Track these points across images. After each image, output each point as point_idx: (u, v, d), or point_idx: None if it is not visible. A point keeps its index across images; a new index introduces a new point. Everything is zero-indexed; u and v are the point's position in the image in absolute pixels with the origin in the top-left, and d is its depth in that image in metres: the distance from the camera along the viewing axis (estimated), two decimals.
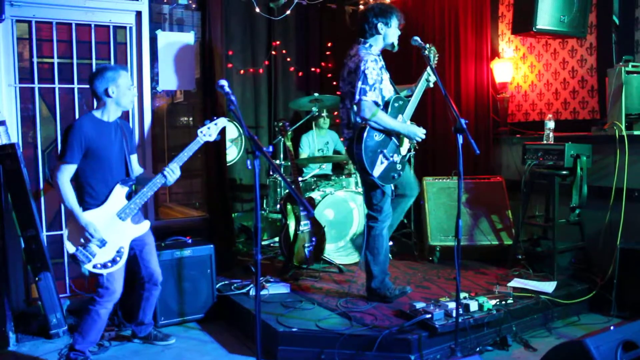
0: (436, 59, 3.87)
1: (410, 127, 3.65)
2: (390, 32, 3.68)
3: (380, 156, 3.59)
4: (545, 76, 4.93)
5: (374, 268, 3.78)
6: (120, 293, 3.22)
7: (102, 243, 3.09)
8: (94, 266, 3.08)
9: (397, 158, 3.68)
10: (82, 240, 3.06)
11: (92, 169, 3.14)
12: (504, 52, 5.26)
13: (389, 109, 3.61)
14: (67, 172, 3.07)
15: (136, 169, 3.46)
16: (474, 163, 5.28)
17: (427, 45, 3.66)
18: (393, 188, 3.89)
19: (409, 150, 3.89)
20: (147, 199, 3.25)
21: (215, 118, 3.28)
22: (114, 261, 3.13)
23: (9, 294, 3.68)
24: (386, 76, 3.71)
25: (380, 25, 3.64)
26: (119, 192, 3.19)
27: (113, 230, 3.14)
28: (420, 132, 3.65)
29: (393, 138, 3.66)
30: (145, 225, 3.32)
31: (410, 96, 3.75)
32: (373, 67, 3.52)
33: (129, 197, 3.22)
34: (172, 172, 3.18)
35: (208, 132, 3.27)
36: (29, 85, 4.25)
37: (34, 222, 3.72)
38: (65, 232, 3.12)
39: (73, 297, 4.18)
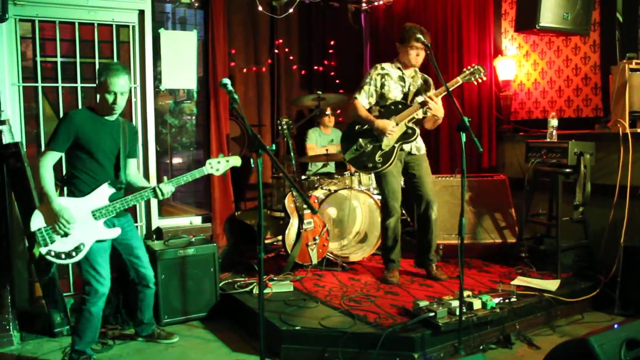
0: (475, 78, 4.02)
1: (375, 121, 4.08)
2: (402, 51, 4.15)
3: (356, 145, 4.18)
4: (548, 74, 4.92)
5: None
6: (107, 290, 3.19)
7: (65, 233, 3.05)
8: (48, 252, 3.04)
9: (369, 148, 4.13)
10: (49, 224, 3.02)
11: (81, 160, 3.14)
12: (507, 50, 5.24)
13: (385, 110, 4.14)
14: (50, 158, 3.07)
15: (132, 174, 3.40)
16: (477, 161, 5.27)
17: (477, 68, 3.99)
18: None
19: (401, 146, 4.16)
20: (128, 207, 3.21)
21: (229, 155, 3.29)
22: (69, 255, 3.06)
23: (13, 292, 3.69)
24: (391, 83, 4.15)
25: (397, 45, 4.19)
26: (103, 191, 3.15)
27: (81, 225, 3.08)
28: (383, 128, 4.04)
29: (373, 132, 4.13)
30: (116, 231, 3.21)
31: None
32: (369, 73, 4.22)
33: (111, 199, 3.17)
34: (162, 193, 3.18)
35: (216, 166, 3.27)
36: (32, 85, 4.26)
37: None
38: (35, 212, 3.07)
39: (77, 296, 4.19)
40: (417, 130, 4.15)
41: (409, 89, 4.17)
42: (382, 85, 4.15)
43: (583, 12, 4.26)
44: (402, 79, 4.18)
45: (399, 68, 4.19)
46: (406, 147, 4.17)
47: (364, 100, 4.16)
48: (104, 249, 3.20)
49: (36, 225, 3.03)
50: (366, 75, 4.23)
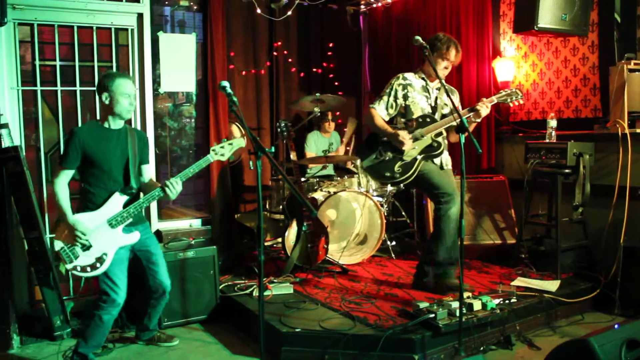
0: (511, 101, 3.90)
1: (392, 132, 3.85)
2: (430, 59, 3.75)
3: (376, 153, 3.98)
4: (547, 75, 4.93)
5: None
6: (123, 300, 3.19)
7: (87, 247, 3.07)
8: (74, 267, 3.06)
9: (390, 157, 3.91)
10: (67, 240, 3.06)
11: (92, 174, 3.16)
12: (506, 51, 5.25)
13: (413, 123, 3.91)
14: (63, 176, 3.12)
15: (147, 180, 3.41)
16: (477, 162, 5.28)
17: (514, 91, 3.87)
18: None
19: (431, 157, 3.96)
20: (142, 209, 3.21)
21: (232, 138, 3.26)
22: (93, 267, 3.08)
23: (12, 296, 3.69)
24: (415, 94, 3.95)
25: (427, 52, 3.71)
26: (116, 200, 3.16)
27: (100, 236, 3.09)
28: (399, 140, 3.80)
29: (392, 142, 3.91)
30: (135, 236, 3.22)
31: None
32: (390, 83, 4.00)
33: (126, 206, 3.17)
34: (173, 186, 3.13)
35: (221, 151, 3.24)
36: (31, 88, 4.26)
37: (37, 224, 3.73)
38: (56, 231, 3.11)
39: (77, 299, 4.19)
40: (444, 145, 3.94)
41: (435, 102, 3.97)
42: (405, 97, 3.94)
43: (581, 13, 4.27)
44: (425, 89, 3.98)
45: (422, 78, 4.01)
46: (437, 161, 3.97)
47: (382, 110, 3.95)
48: (121, 259, 3.20)
49: (59, 245, 3.08)
50: (387, 84, 4.01)
